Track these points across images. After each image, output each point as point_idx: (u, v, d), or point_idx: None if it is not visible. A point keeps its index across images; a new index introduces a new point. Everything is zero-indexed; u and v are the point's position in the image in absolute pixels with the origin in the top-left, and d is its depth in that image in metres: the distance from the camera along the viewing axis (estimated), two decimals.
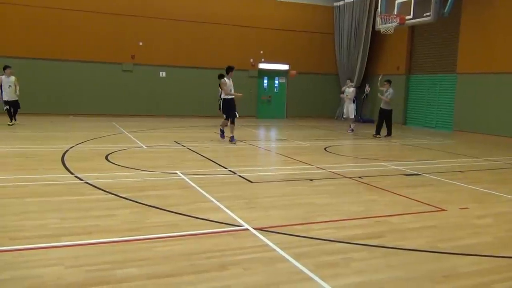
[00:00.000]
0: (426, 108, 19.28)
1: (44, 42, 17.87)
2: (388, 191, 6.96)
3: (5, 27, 17.35)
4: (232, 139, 11.93)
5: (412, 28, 19.30)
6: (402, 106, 20.35)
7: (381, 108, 15.26)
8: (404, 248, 4.46)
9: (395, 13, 16.13)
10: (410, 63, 20.22)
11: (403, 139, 14.90)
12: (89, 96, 18.77)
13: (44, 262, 3.82)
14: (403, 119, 20.37)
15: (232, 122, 12.06)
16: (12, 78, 14.27)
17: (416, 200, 6.42)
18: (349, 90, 16.22)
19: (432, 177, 8.26)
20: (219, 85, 16.36)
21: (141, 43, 19.26)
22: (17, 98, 14.39)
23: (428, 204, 6.21)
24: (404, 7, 15.79)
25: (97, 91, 18.88)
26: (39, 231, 4.55)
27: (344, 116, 16.73)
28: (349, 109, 16.24)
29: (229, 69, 12.36)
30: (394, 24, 16.05)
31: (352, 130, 16.13)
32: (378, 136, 14.75)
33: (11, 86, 14.17)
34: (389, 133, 15.07)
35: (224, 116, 12.18)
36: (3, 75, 14.18)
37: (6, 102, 14.16)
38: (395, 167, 9.11)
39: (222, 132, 12.53)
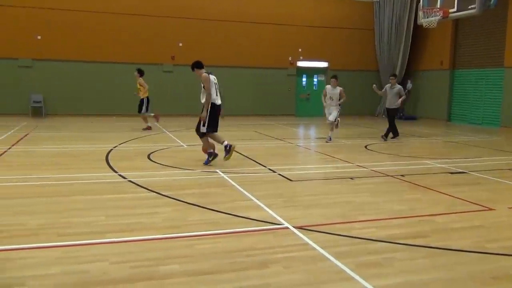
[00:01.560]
0: (472, 104, 18.64)
1: (87, 45, 18.44)
2: (432, 189, 6.77)
3: (52, 31, 18.02)
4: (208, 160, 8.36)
5: (456, 21, 18.71)
6: (446, 102, 19.77)
7: (387, 108, 13.08)
8: (449, 249, 4.33)
9: (438, 7, 15.66)
10: (454, 58, 19.60)
11: (447, 136, 14.46)
12: (131, 97, 19.20)
13: (90, 257, 3.95)
14: (447, 116, 19.78)
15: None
16: None
17: (462, 199, 6.21)
18: (334, 91, 11.97)
19: (479, 175, 7.97)
20: (138, 83, 14.12)
21: (180, 44, 19.56)
22: None
23: (475, 203, 6.00)
24: (447, 0, 15.30)
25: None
26: (85, 228, 4.71)
27: (329, 119, 12.15)
28: (333, 111, 12.07)
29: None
30: (437, 17, 15.58)
31: (330, 139, 12.18)
32: (394, 137, 12.88)
33: None
34: (395, 134, 12.97)
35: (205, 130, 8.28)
36: None
37: None
38: (439, 165, 8.85)
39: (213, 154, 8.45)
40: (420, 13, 16.61)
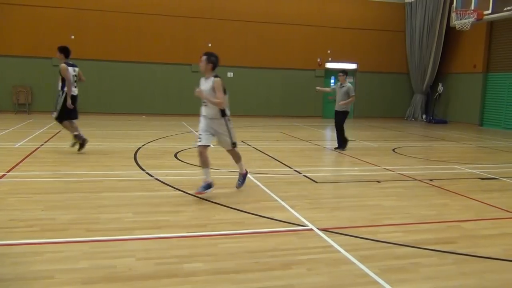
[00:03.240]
0: (506, 108, 18.12)
1: (119, 45, 18.80)
2: (461, 195, 6.62)
3: (85, 31, 18.45)
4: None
5: (491, 23, 18.25)
6: (479, 106, 19.29)
7: (336, 110, 10.83)
8: (478, 256, 4.23)
9: (472, 8, 15.33)
10: (488, 61, 19.10)
11: (478, 141, 14.11)
12: (160, 96, 19.52)
13: (117, 253, 4.04)
14: (479, 120, 19.30)
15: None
16: None
17: (493, 206, 6.06)
18: (206, 86, 6.19)
19: (511, 181, 7.75)
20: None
21: (210, 45, 19.71)
22: None
23: (506, 210, 5.84)
24: (482, 2, 14.96)
25: (167, 91, 19.58)
26: (113, 224, 4.81)
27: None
28: (218, 130, 6.40)
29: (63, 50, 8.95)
30: (471, 19, 15.26)
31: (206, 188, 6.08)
32: (341, 149, 10.92)
33: None
34: (342, 144, 10.99)
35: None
36: None
37: None
38: (469, 170, 8.65)
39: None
40: (453, 15, 16.30)
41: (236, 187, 6.46)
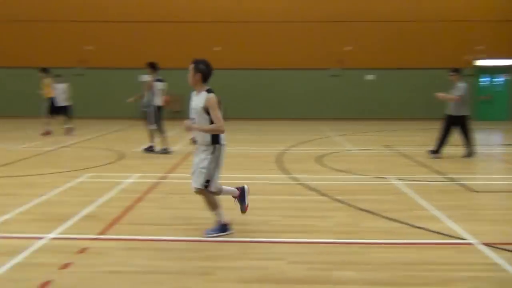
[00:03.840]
0: None
1: (260, 54, 19.42)
2: None
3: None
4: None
5: None
6: None
7: (448, 115, 9.55)
8: None
9: None
10: None
11: None
12: (299, 101, 19.77)
13: (268, 255, 4.16)
14: None
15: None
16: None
17: None
18: (196, 102, 4.64)
19: None
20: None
21: (349, 48, 19.41)
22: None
23: None
24: None
25: (306, 96, 19.75)
26: (263, 226, 4.97)
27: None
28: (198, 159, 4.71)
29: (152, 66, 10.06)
30: None
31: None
32: (437, 154, 9.66)
33: None
34: (469, 152, 9.72)
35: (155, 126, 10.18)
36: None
37: None
38: None
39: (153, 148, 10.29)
40: None
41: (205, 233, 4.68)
